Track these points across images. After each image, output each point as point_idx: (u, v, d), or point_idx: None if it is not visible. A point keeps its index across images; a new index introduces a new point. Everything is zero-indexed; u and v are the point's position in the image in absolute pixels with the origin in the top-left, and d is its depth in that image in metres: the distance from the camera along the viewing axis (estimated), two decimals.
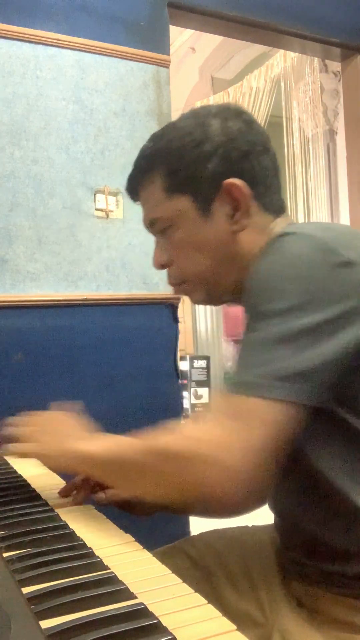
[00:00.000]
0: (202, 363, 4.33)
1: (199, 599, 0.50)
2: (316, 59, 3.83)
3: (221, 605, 0.84)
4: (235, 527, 1.00)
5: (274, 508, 0.86)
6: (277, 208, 0.81)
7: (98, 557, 0.58)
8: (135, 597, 0.50)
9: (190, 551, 0.93)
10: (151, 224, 0.84)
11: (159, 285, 1.86)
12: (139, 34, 1.86)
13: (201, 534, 0.99)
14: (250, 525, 1.00)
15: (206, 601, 0.49)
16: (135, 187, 0.86)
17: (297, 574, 0.81)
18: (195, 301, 0.88)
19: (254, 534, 0.98)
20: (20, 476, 0.94)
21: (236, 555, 0.92)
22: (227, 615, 0.82)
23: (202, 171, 0.78)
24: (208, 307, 4.63)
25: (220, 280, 0.82)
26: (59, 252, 1.71)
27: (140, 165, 0.84)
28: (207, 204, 0.79)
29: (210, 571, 0.90)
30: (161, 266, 0.85)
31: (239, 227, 0.78)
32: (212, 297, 0.85)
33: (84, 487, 0.83)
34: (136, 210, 1.82)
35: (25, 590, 0.50)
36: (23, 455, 0.92)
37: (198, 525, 1.85)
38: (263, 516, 0.87)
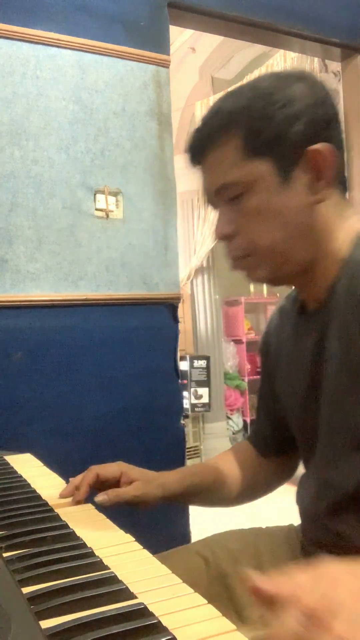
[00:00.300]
0: (202, 363, 4.33)
1: (199, 599, 0.50)
2: (316, 59, 3.82)
3: (235, 606, 0.84)
4: (249, 529, 1.00)
5: (301, 503, 0.86)
6: (345, 185, 0.78)
7: (98, 557, 0.58)
8: (135, 597, 0.50)
9: (203, 552, 0.92)
10: (220, 191, 0.77)
11: (159, 285, 1.86)
12: (139, 34, 1.86)
13: (214, 535, 0.99)
14: (264, 527, 1.00)
15: (206, 601, 0.49)
16: (202, 148, 0.77)
17: None
18: (256, 278, 0.81)
19: (269, 534, 0.97)
20: (20, 476, 0.94)
21: (250, 556, 0.91)
22: (242, 616, 0.81)
23: (287, 134, 0.72)
24: (208, 307, 4.62)
25: (290, 256, 0.76)
26: (59, 252, 1.71)
27: (213, 123, 0.76)
28: (288, 170, 0.73)
29: (224, 572, 0.89)
30: (224, 237, 0.79)
31: (318, 198, 0.74)
32: (276, 274, 0.79)
33: (84, 485, 0.83)
34: (136, 210, 1.83)
35: (25, 590, 0.50)
36: None
37: (198, 525, 1.85)
38: (275, 517, 0.87)
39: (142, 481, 0.87)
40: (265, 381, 0.98)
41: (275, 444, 0.99)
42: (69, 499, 0.81)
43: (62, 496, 0.82)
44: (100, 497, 0.82)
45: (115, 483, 0.87)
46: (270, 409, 0.97)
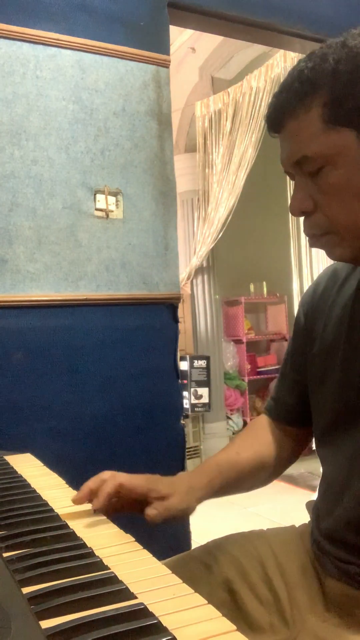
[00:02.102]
0: (202, 363, 4.33)
1: (199, 599, 0.50)
2: None
3: (241, 612, 0.82)
4: (250, 532, 0.97)
5: (325, 492, 0.84)
6: None
7: (98, 557, 0.58)
8: (135, 597, 0.50)
9: (205, 558, 0.90)
10: (299, 164, 0.71)
11: (159, 285, 1.86)
12: (139, 34, 1.86)
13: (215, 541, 0.96)
14: (265, 528, 0.99)
15: (206, 601, 0.49)
16: (281, 115, 0.71)
17: (336, 571, 0.79)
18: (337, 256, 0.76)
19: (271, 537, 0.95)
20: (20, 476, 0.94)
21: (253, 560, 0.89)
22: (248, 621, 0.79)
23: None
24: (208, 307, 4.62)
25: None
26: (59, 252, 1.71)
27: (294, 88, 0.69)
28: None
29: (227, 578, 0.86)
30: (302, 213, 0.73)
31: None
32: (358, 254, 0.74)
33: (103, 494, 0.76)
34: (136, 210, 1.83)
35: (25, 590, 0.50)
36: None
37: (198, 527, 1.85)
38: (275, 517, 0.86)
39: (179, 494, 0.81)
40: (302, 345, 0.93)
41: (297, 413, 0.95)
42: (70, 502, 0.77)
43: (75, 502, 0.76)
44: (152, 512, 0.77)
45: (139, 496, 0.80)
46: (300, 376, 0.93)
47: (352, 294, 0.83)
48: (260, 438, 0.97)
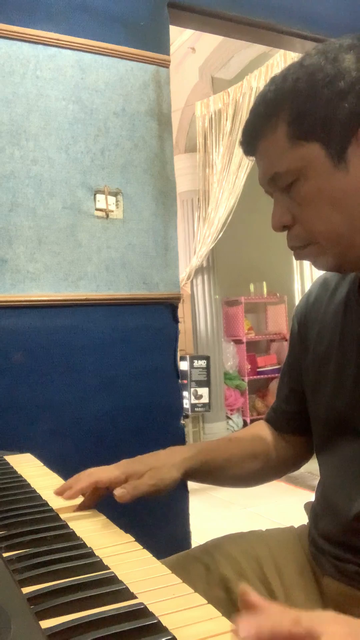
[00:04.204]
0: (202, 363, 4.33)
1: (199, 599, 0.50)
2: None
3: (238, 611, 0.83)
4: (249, 532, 0.98)
5: (321, 493, 0.84)
6: None
7: (98, 557, 0.58)
8: (135, 597, 0.50)
9: (203, 558, 0.90)
10: (273, 180, 0.74)
11: (159, 285, 1.86)
12: (139, 34, 1.86)
13: (214, 540, 0.96)
14: (265, 529, 0.99)
15: (206, 601, 0.49)
16: (252, 139, 0.75)
17: (334, 570, 0.80)
18: (322, 266, 0.77)
19: (269, 537, 0.95)
20: (20, 476, 0.94)
21: (251, 560, 0.90)
22: None
23: (335, 113, 0.68)
24: (208, 307, 4.62)
25: (355, 240, 0.72)
26: (59, 252, 1.72)
27: (259, 111, 0.73)
28: (341, 151, 0.69)
29: (225, 577, 0.87)
30: (282, 227, 0.76)
31: None
32: (343, 261, 0.75)
33: (75, 490, 0.79)
34: (136, 210, 1.83)
35: (25, 590, 0.50)
36: None
37: (198, 525, 1.85)
38: (276, 517, 0.86)
39: (153, 469, 0.82)
40: (296, 354, 0.95)
41: (297, 421, 0.96)
42: (70, 502, 0.79)
43: (56, 494, 0.81)
44: (119, 491, 0.78)
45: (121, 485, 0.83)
46: (297, 385, 0.94)
47: (342, 302, 0.84)
48: (255, 436, 0.99)
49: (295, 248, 0.77)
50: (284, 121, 0.71)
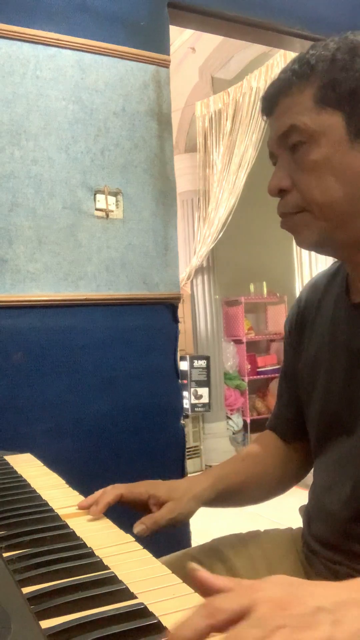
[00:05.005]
0: (202, 363, 4.33)
1: (199, 599, 0.50)
2: None
3: None
4: (247, 532, 0.98)
5: (313, 495, 0.85)
6: None
7: (98, 557, 0.58)
8: (135, 597, 0.50)
9: (201, 558, 0.91)
10: (285, 136, 0.73)
11: (159, 285, 1.86)
12: (139, 34, 1.86)
13: (213, 541, 0.97)
14: (264, 529, 0.99)
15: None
16: (277, 93, 0.75)
17: (326, 572, 0.80)
18: (304, 240, 0.76)
19: (267, 538, 0.96)
20: (20, 476, 0.94)
21: (245, 561, 0.90)
22: None
23: None
24: (208, 307, 4.62)
25: (347, 220, 0.72)
26: (59, 252, 1.71)
27: (292, 69, 0.73)
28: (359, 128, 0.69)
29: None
30: (279, 192, 0.75)
31: None
32: (326, 238, 0.74)
33: (102, 504, 0.78)
34: (136, 210, 1.83)
35: (25, 590, 0.50)
36: None
37: (198, 527, 1.85)
38: (276, 518, 0.87)
39: (173, 501, 0.84)
40: (291, 359, 0.95)
41: (297, 427, 0.95)
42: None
43: (80, 508, 0.77)
44: (138, 528, 0.79)
45: (142, 504, 0.85)
46: (294, 389, 0.94)
47: (332, 306, 0.84)
48: (266, 449, 0.99)
49: (285, 214, 0.76)
50: (315, 83, 0.71)
